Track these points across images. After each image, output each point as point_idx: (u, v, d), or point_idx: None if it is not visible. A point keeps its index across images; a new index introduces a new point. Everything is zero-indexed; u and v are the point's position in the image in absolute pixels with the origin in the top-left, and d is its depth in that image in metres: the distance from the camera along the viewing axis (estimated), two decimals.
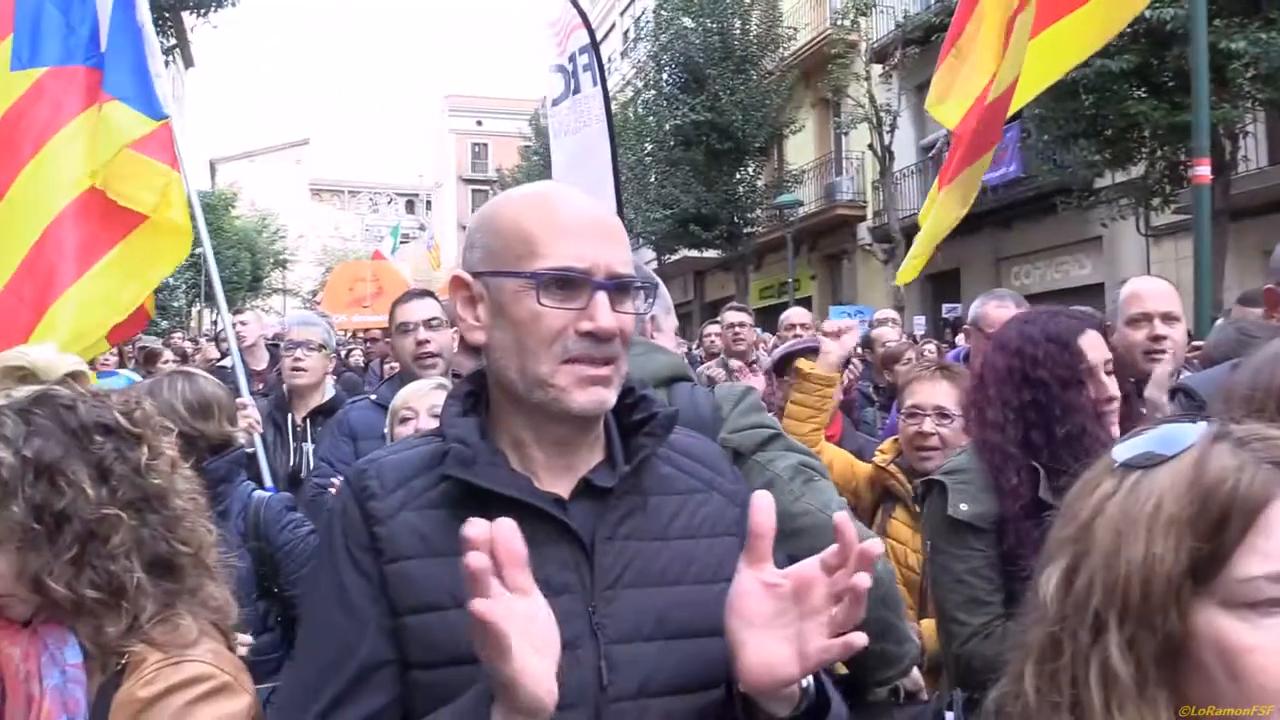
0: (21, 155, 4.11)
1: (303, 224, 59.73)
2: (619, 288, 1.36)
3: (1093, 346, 2.41)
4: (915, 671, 2.08)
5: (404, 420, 3.02)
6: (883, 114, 19.59)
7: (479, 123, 64.45)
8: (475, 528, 1.08)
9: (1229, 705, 0.92)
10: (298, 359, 4.41)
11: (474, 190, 62.78)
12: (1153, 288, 3.28)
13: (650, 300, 1.44)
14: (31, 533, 1.52)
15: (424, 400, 3.03)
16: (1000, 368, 2.47)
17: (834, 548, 1.18)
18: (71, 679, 1.53)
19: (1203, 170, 4.65)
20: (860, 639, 1.16)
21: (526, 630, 1.11)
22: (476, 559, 1.06)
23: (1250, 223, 13.13)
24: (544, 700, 1.11)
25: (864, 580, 1.14)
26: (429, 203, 71.64)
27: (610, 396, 1.37)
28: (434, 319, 3.77)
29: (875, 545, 1.15)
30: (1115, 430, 2.35)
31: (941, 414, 3.26)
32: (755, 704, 1.24)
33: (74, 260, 4.08)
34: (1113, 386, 2.40)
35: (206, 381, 3.00)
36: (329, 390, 4.59)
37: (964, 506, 2.36)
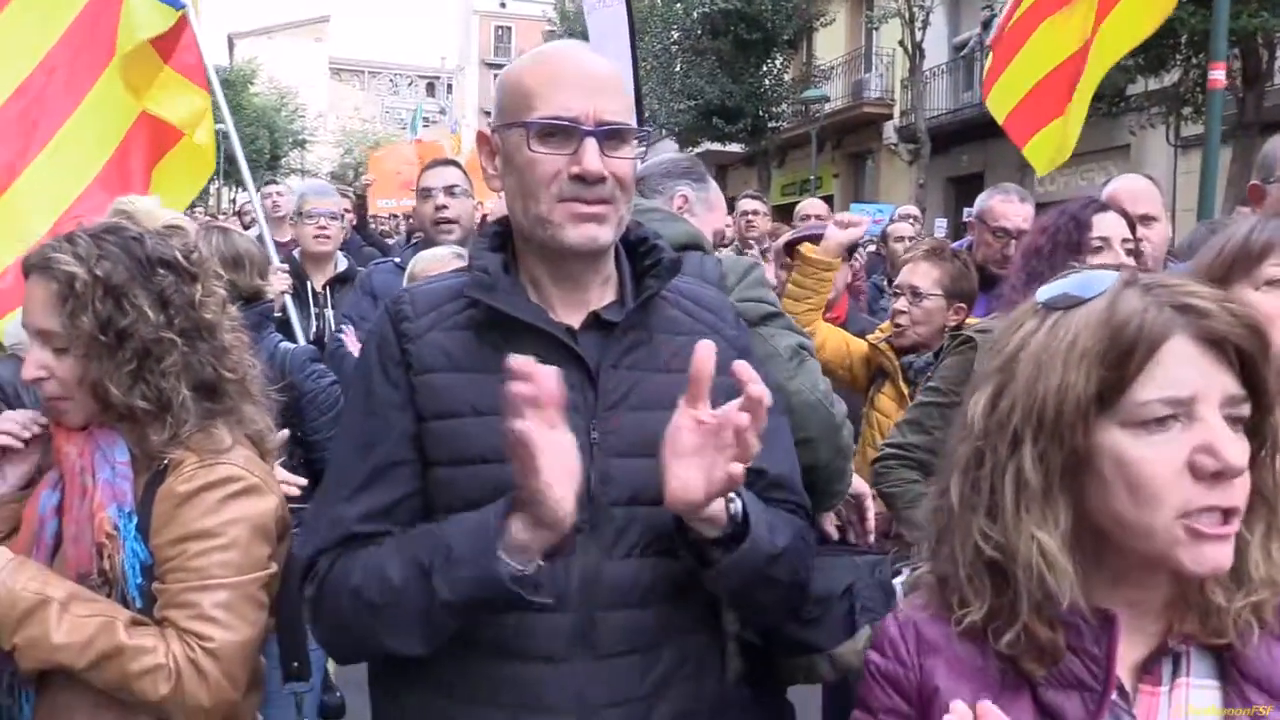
0: (102, 55, 3.96)
1: (322, 104, 59.10)
2: (609, 135, 1.49)
3: (1108, 223, 2.57)
4: (857, 478, 2.28)
5: None
6: (916, 9, 19.10)
7: (503, 4, 62.98)
8: (519, 359, 1.26)
9: (1121, 508, 1.08)
10: (322, 226, 4.48)
11: (496, 75, 61.61)
12: (1131, 187, 3.35)
13: (644, 147, 1.57)
14: (97, 344, 1.70)
15: (444, 269, 3.06)
16: (1027, 244, 2.69)
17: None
18: (120, 474, 1.72)
19: (1217, 74, 4.62)
20: (738, 469, 1.34)
21: (554, 456, 1.29)
22: (521, 386, 1.25)
23: None
24: (561, 516, 1.32)
25: (741, 418, 1.31)
26: (450, 86, 70.57)
27: (603, 233, 1.51)
28: (455, 186, 3.89)
29: (761, 391, 1.32)
30: None
31: (914, 292, 3.40)
32: (688, 526, 1.43)
33: (142, 170, 4.08)
34: (1127, 260, 2.54)
35: (240, 237, 3.15)
36: (340, 261, 4.71)
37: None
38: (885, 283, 6.75)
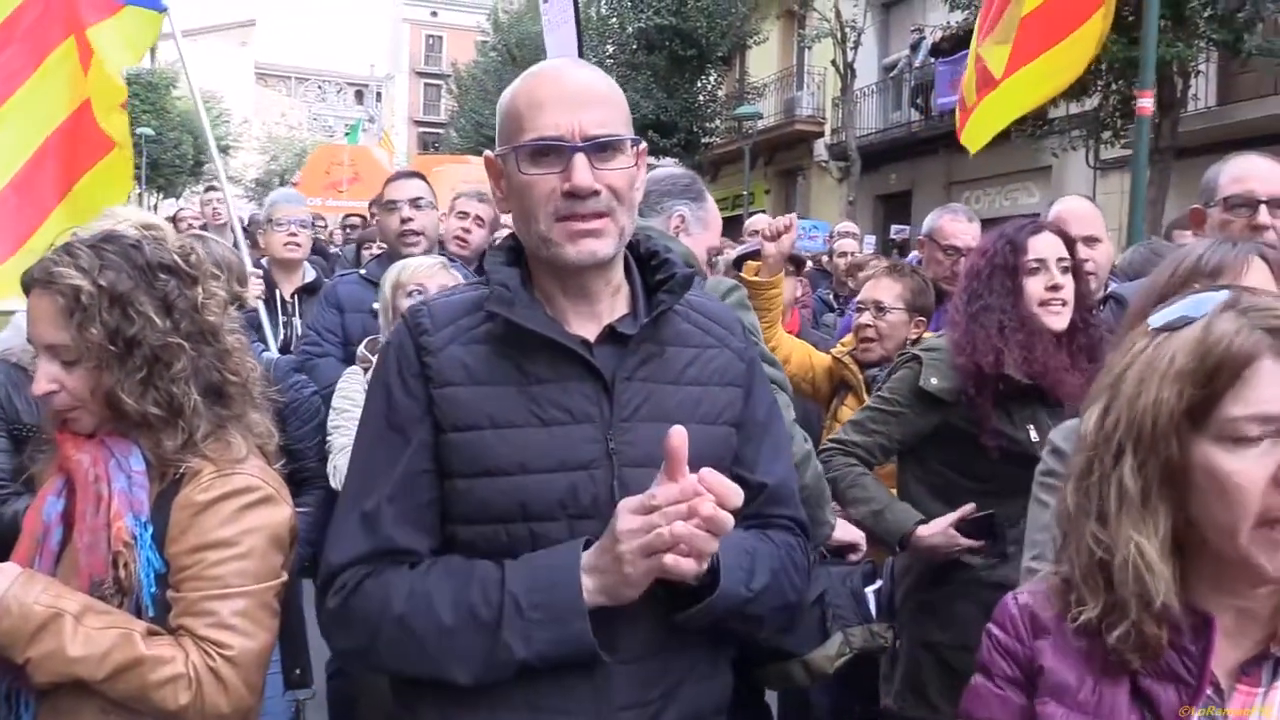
0: (26, 61, 3.95)
1: (247, 109, 57.87)
2: (598, 148, 1.51)
3: (1043, 244, 2.66)
4: (848, 528, 2.47)
5: (411, 295, 2.96)
6: (848, 30, 19.54)
7: (434, 13, 62.51)
8: (715, 480, 1.38)
9: (1217, 515, 1.16)
10: (292, 234, 4.46)
11: (426, 84, 61.20)
12: (1075, 210, 3.51)
13: (636, 152, 1.58)
14: (107, 353, 1.70)
15: (434, 279, 3.06)
16: (967, 266, 2.80)
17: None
18: (137, 483, 1.73)
19: (1146, 102, 4.86)
20: (688, 564, 1.41)
21: None
22: (710, 508, 1.35)
23: (1196, 161, 13.41)
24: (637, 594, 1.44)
25: (708, 508, 1.37)
26: (379, 94, 69.74)
27: (602, 246, 1.53)
28: (419, 198, 3.88)
29: (711, 511, 1.38)
30: (1056, 321, 2.61)
31: (879, 308, 3.55)
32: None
33: (56, 182, 3.99)
34: (1063, 279, 2.64)
35: (218, 244, 3.15)
36: (309, 271, 4.68)
37: (934, 380, 2.64)
38: (831, 297, 6.95)
